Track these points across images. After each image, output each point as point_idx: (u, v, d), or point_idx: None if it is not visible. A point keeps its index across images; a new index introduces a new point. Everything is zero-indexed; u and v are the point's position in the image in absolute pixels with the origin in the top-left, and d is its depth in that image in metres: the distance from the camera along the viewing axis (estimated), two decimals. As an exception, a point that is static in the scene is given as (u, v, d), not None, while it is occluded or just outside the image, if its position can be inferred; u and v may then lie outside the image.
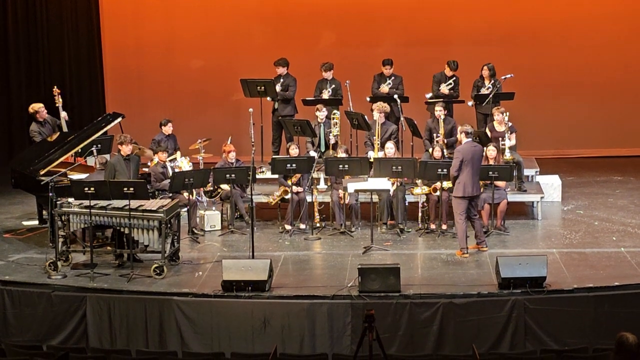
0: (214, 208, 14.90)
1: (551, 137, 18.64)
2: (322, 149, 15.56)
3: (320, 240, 14.12)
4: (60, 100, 15.60)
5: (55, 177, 13.55)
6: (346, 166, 14.09)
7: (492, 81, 15.89)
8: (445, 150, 14.70)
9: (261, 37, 18.90)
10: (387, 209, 14.41)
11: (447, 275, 12.49)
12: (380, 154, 14.69)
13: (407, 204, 14.50)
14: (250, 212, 13.94)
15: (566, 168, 17.60)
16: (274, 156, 15.40)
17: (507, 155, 14.81)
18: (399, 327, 11.66)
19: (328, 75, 16.25)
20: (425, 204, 14.38)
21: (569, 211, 15.30)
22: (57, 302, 12.11)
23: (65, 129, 15.38)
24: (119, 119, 14.76)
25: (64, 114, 15.54)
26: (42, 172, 13.90)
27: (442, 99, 15.73)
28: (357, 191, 14.06)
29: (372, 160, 14.47)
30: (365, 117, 15.25)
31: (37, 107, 15.33)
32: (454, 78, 16.14)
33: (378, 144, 14.95)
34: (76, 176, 13.91)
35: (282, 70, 16.32)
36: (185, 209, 14.06)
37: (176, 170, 14.57)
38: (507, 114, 15.02)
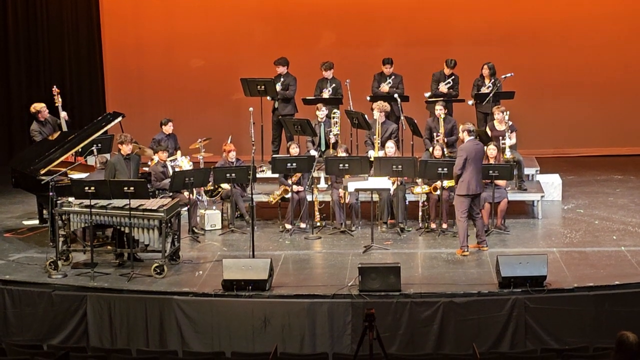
0: (214, 207, 14.90)
1: (551, 136, 18.64)
2: (323, 148, 15.56)
3: (321, 239, 14.13)
4: (60, 99, 15.59)
5: (56, 176, 13.55)
6: (346, 165, 14.10)
7: (493, 80, 15.89)
8: (445, 149, 14.70)
9: (261, 36, 18.90)
10: (388, 208, 14.41)
11: (448, 275, 12.49)
12: (381, 153, 14.69)
13: (407, 203, 14.50)
14: (251, 211, 13.94)
15: (566, 167, 17.60)
16: (274, 155, 15.40)
17: (508, 154, 14.81)
18: (400, 326, 11.67)
19: (328, 74, 16.25)
20: (425, 203, 14.38)
21: (570, 210, 15.30)
22: (58, 301, 12.11)
23: (65, 128, 15.38)
24: (119, 119, 14.75)
25: (63, 114, 15.54)
26: (42, 172, 13.90)
27: (441, 98, 15.72)
28: (357, 190, 14.06)
29: (372, 159, 14.47)
30: (366, 116, 15.25)
31: (39, 107, 15.34)
32: (453, 77, 16.13)
33: (378, 143, 14.95)
34: (76, 175, 13.91)
35: (282, 70, 16.32)
36: (186, 208, 14.05)
37: (176, 169, 14.57)
38: (508, 113, 15.02)
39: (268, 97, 16.14)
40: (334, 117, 15.58)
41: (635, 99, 18.65)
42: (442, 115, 15.19)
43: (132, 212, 12.43)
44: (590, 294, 11.77)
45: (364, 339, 9.11)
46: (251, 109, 15.16)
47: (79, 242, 13.11)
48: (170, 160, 14.80)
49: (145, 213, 12.48)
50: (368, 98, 16.13)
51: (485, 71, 15.95)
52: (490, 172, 13.77)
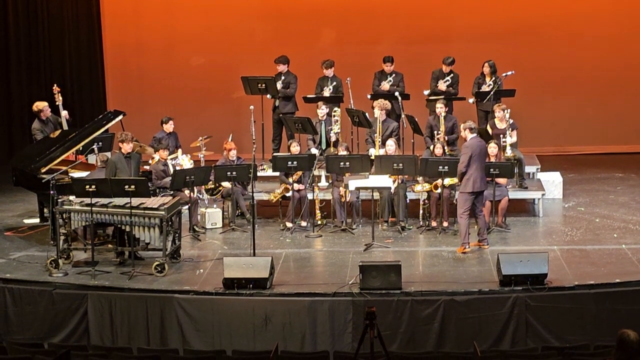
0: (215, 206, 14.90)
1: (552, 134, 18.63)
2: (323, 147, 15.56)
3: (321, 237, 14.13)
4: (61, 98, 15.59)
5: (57, 175, 13.55)
6: (347, 163, 14.10)
7: (493, 78, 15.88)
8: (446, 148, 14.70)
9: (262, 34, 18.90)
10: (388, 206, 14.41)
11: (449, 273, 12.49)
12: (382, 152, 14.68)
13: (408, 201, 14.50)
14: (252, 209, 13.95)
15: (567, 165, 17.59)
16: (274, 154, 15.40)
17: (508, 152, 14.81)
18: (400, 324, 11.67)
19: (329, 72, 16.25)
20: (426, 201, 14.37)
21: (570, 208, 15.30)
22: (59, 299, 12.12)
23: (65, 127, 15.38)
24: (120, 117, 14.75)
25: (64, 113, 15.53)
26: (43, 170, 13.90)
27: (441, 96, 15.72)
28: (358, 189, 14.07)
29: (373, 157, 14.47)
30: (366, 114, 15.25)
31: (42, 105, 15.34)
32: (452, 75, 16.11)
33: (379, 142, 14.95)
34: (77, 174, 13.91)
35: (282, 68, 16.31)
36: (187, 206, 14.06)
37: (177, 168, 14.57)
38: (508, 111, 15.01)
39: (268, 96, 16.14)
40: (334, 116, 15.57)
41: (636, 96, 18.64)
42: (443, 114, 15.18)
43: (133, 211, 12.43)
44: (591, 291, 11.77)
45: (364, 337, 9.11)
46: (252, 107, 15.18)
47: (80, 241, 13.11)
48: (171, 159, 14.79)
49: (146, 211, 12.49)
50: (369, 96, 16.12)
51: (486, 69, 15.94)
52: (491, 170, 13.77)
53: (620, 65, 18.54)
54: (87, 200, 12.48)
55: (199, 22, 18.87)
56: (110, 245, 13.19)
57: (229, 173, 14.14)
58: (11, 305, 12.24)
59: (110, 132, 15.15)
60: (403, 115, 15.63)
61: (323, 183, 15.04)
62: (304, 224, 14.46)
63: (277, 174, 14.87)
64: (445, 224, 14.14)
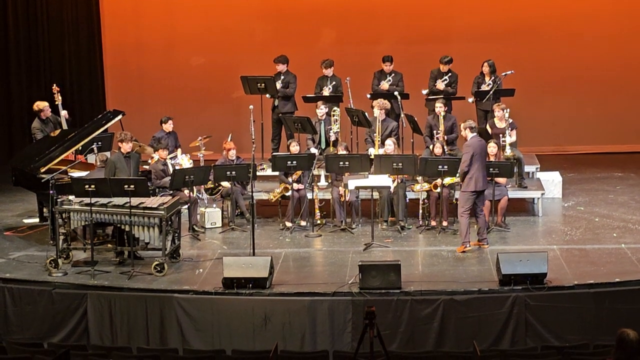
0: (214, 205, 14.90)
1: (552, 133, 18.63)
2: (323, 146, 15.56)
3: (321, 237, 14.13)
4: (60, 98, 15.59)
5: (56, 174, 13.55)
6: (347, 163, 14.10)
7: (493, 77, 15.88)
8: (445, 147, 14.70)
9: (261, 34, 18.90)
10: (388, 205, 14.41)
11: (448, 272, 12.49)
12: (381, 151, 14.68)
13: (407, 200, 14.50)
14: (251, 209, 13.95)
15: (566, 164, 17.59)
16: (274, 153, 15.40)
17: (508, 151, 14.81)
18: (400, 323, 11.67)
19: (328, 72, 16.25)
20: (425, 200, 14.37)
21: (570, 207, 15.30)
22: (58, 299, 12.12)
23: (65, 126, 15.38)
24: (120, 117, 14.75)
25: (64, 112, 15.53)
26: (42, 170, 13.89)
27: (439, 95, 15.71)
28: (357, 188, 14.07)
29: (372, 157, 14.47)
30: (366, 114, 15.24)
31: (42, 105, 15.35)
32: (450, 74, 16.10)
33: (378, 141, 14.95)
34: (77, 174, 13.91)
35: (282, 68, 16.31)
36: (186, 206, 14.06)
37: (177, 167, 14.57)
38: (508, 110, 15.01)
39: (267, 95, 16.14)
40: (334, 115, 15.57)
41: (635, 96, 18.64)
42: (442, 113, 15.18)
43: (132, 210, 12.43)
44: (590, 291, 11.77)
45: (364, 337, 9.11)
46: (251, 107, 15.18)
47: (79, 240, 13.11)
48: (171, 158, 14.79)
49: (145, 211, 12.49)
50: (368, 96, 16.12)
51: (486, 68, 15.94)
52: (491, 169, 13.77)
53: (619, 65, 18.54)
54: (87, 199, 12.48)
55: (199, 22, 18.87)
56: (109, 245, 13.19)
57: (228, 173, 14.14)
58: (11, 305, 12.25)
59: (109, 132, 15.15)
60: (402, 115, 15.63)
61: (322, 182, 15.05)
62: (303, 223, 14.47)
63: (277, 173, 14.87)
64: (444, 223, 14.14)
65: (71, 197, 12.73)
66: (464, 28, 18.52)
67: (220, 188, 14.81)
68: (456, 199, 14.21)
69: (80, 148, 14.42)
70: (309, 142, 15.59)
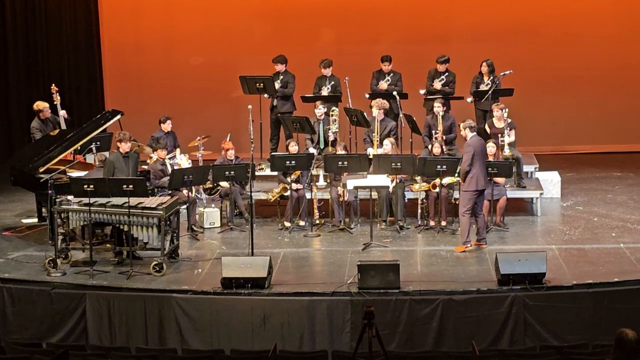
0: (213, 205, 14.90)
1: (550, 133, 18.63)
2: (322, 146, 15.55)
3: (320, 237, 14.13)
4: (58, 97, 15.58)
5: (55, 174, 13.54)
6: (345, 163, 14.09)
7: (491, 77, 15.88)
8: (444, 147, 14.69)
9: (260, 34, 18.89)
10: (387, 205, 14.41)
11: (447, 272, 12.49)
12: (380, 151, 14.69)
13: (406, 200, 14.50)
14: (250, 209, 13.93)
15: (565, 164, 17.59)
16: (273, 153, 15.40)
17: (506, 151, 14.81)
18: (399, 323, 11.67)
19: (327, 72, 16.24)
20: (424, 200, 14.37)
21: (568, 207, 15.30)
22: (57, 299, 12.11)
23: (63, 126, 15.38)
24: (118, 116, 14.74)
25: (62, 112, 15.53)
26: (41, 170, 13.89)
27: (437, 95, 15.71)
28: (356, 188, 14.07)
29: (371, 157, 14.46)
30: (365, 113, 15.24)
31: (42, 106, 15.35)
32: (446, 73, 16.10)
33: (377, 141, 14.95)
34: (75, 174, 13.91)
35: (280, 67, 16.30)
36: (185, 206, 14.05)
37: (175, 167, 14.57)
38: (507, 110, 15.01)
39: (266, 95, 16.13)
40: (332, 115, 15.57)
41: (634, 96, 18.64)
42: (441, 113, 15.18)
43: (131, 210, 12.43)
44: (589, 291, 11.77)
45: (363, 337, 9.12)
46: (250, 106, 15.18)
47: (78, 240, 13.12)
48: (169, 158, 14.79)
49: (144, 211, 12.48)
50: (367, 95, 16.12)
51: (484, 68, 15.94)
52: (489, 169, 13.76)
53: (618, 65, 18.54)
54: (85, 199, 12.48)
55: (198, 21, 18.87)
56: (108, 245, 13.19)
57: (227, 172, 14.13)
58: (9, 305, 12.24)
59: (108, 132, 15.14)
60: (401, 115, 15.63)
61: (321, 182, 15.05)
62: (302, 223, 14.47)
63: (275, 173, 14.87)
64: (443, 223, 14.14)
65: (70, 197, 12.73)
66: (463, 28, 18.52)
67: (219, 188, 14.81)
68: (455, 199, 14.23)
69: (79, 148, 14.42)
70: (308, 142, 15.59)
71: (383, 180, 13.89)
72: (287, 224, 14.42)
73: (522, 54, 18.15)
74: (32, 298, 12.19)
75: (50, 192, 13.14)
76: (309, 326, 11.72)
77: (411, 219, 14.53)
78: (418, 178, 14.41)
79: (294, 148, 14.69)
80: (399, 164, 13.93)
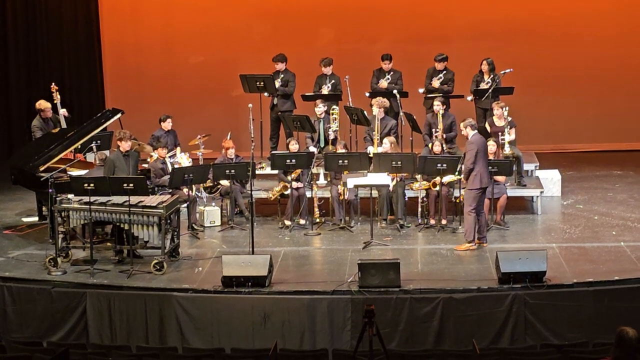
0: (213, 204, 14.90)
1: (551, 131, 18.63)
2: (322, 145, 15.55)
3: (320, 235, 14.13)
4: (59, 96, 15.58)
5: (55, 173, 13.54)
6: (346, 161, 14.09)
7: (492, 76, 15.87)
8: (444, 145, 14.69)
9: (260, 32, 18.89)
10: (387, 204, 14.41)
11: (447, 270, 12.49)
12: (380, 149, 14.69)
13: (406, 199, 14.50)
14: (250, 207, 13.93)
15: (565, 162, 17.59)
16: (273, 152, 15.40)
17: (507, 150, 14.81)
18: (399, 322, 11.67)
19: (327, 70, 16.24)
20: (424, 199, 14.37)
21: (569, 206, 15.30)
22: (57, 298, 12.12)
23: (64, 125, 15.37)
24: (119, 115, 14.74)
25: (62, 111, 15.52)
26: (41, 169, 13.88)
27: (437, 94, 15.70)
28: (356, 186, 14.07)
29: (371, 155, 14.46)
30: (365, 112, 15.24)
31: (45, 106, 15.32)
32: (445, 72, 16.09)
33: (377, 139, 14.95)
34: (76, 172, 13.91)
35: (280, 66, 16.30)
36: (185, 204, 14.05)
37: (176, 166, 14.57)
38: (507, 108, 15.01)
39: (266, 94, 16.13)
40: (333, 113, 15.57)
41: (634, 94, 18.64)
42: (441, 111, 15.18)
43: (131, 209, 12.43)
44: (589, 289, 11.77)
45: (363, 335, 9.12)
46: (250, 105, 15.17)
47: (79, 239, 13.11)
48: (170, 157, 14.79)
49: (144, 210, 12.49)
50: (367, 94, 16.12)
51: (485, 67, 15.94)
52: (490, 167, 13.75)
53: (618, 64, 18.54)
54: (86, 198, 12.48)
55: (198, 20, 18.87)
56: (109, 244, 13.19)
57: (227, 171, 14.13)
58: (10, 303, 12.24)
59: (108, 131, 15.14)
60: (401, 113, 15.63)
61: (321, 181, 15.05)
62: (302, 222, 14.46)
63: (276, 172, 14.86)
64: (443, 221, 14.14)
65: (70, 196, 12.73)
66: (463, 27, 18.52)
67: (219, 186, 14.81)
68: (455, 197, 14.23)
69: (79, 147, 14.41)
70: (308, 141, 15.59)
71: (383, 178, 13.89)
72: (288, 222, 14.42)
73: (522, 53, 18.14)
74: (32, 297, 12.19)
75: (50, 190, 13.14)
76: (310, 325, 11.72)
77: (411, 217, 14.53)
78: (418, 176, 14.41)
79: (294, 147, 14.69)
80: (399, 162, 13.93)
